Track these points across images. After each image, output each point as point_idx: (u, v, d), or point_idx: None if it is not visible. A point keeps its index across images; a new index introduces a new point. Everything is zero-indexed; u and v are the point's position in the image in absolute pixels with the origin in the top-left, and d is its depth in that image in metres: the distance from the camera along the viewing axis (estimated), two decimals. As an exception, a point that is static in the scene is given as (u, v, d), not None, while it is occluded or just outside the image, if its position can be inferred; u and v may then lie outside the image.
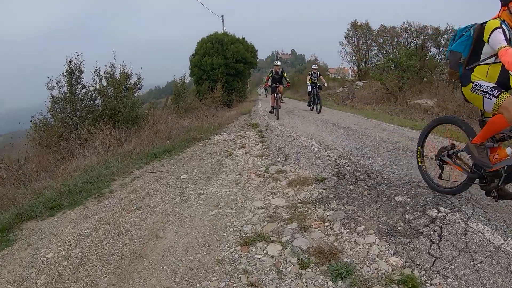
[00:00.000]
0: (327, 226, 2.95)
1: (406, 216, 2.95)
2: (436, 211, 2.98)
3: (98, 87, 9.18)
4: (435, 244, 2.51)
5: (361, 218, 3.01)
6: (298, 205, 3.46)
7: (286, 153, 5.67)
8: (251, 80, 44.69)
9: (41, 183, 5.72)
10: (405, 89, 15.87)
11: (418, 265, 2.32)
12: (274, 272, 2.39)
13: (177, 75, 16.04)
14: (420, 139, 3.76)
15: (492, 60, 2.81)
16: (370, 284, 2.16)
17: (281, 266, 2.45)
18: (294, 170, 4.71)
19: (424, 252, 2.44)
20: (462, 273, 2.18)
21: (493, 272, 2.16)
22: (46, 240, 3.50)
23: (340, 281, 2.20)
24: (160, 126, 9.82)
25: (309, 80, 13.47)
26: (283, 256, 2.57)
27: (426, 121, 10.30)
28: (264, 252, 2.65)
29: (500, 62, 2.67)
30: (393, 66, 17.55)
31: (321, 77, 13.62)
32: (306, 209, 3.35)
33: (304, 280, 2.27)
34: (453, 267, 2.25)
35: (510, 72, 2.73)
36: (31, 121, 8.25)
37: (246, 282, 2.31)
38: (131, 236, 3.26)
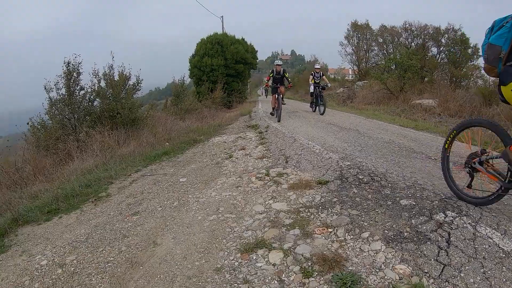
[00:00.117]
0: (330, 232, 2.84)
1: (413, 221, 2.84)
2: (443, 215, 2.88)
3: (96, 89, 9.08)
4: (443, 251, 2.40)
5: (365, 223, 2.90)
6: (300, 209, 3.35)
7: (287, 155, 5.56)
8: (251, 81, 44.65)
9: (38, 187, 5.62)
10: (406, 89, 15.76)
11: (426, 273, 2.22)
12: (275, 282, 2.28)
13: (178, 76, 15.98)
14: (445, 145, 3.42)
15: None
16: (377, 294, 2.06)
17: (283, 275, 2.34)
18: (296, 172, 4.60)
19: (432, 259, 2.33)
20: (472, 281, 2.08)
21: (504, 280, 2.06)
22: (41, 246, 3.41)
23: (345, 291, 2.10)
24: (159, 127, 9.73)
25: (311, 80, 12.97)
26: (285, 264, 2.46)
27: (427, 121, 10.26)
28: (265, 260, 2.55)
29: None
30: (394, 66, 17.45)
31: (324, 77, 13.03)
32: (308, 214, 3.24)
33: (307, 290, 2.17)
34: (462, 275, 2.15)
35: None
36: (28, 123, 8.14)
37: (247, 293, 2.21)
38: (127, 243, 3.16)
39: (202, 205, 3.82)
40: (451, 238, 2.53)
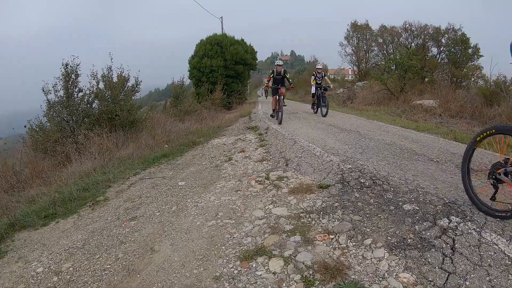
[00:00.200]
0: (332, 239, 2.77)
1: (416, 226, 2.78)
2: (447, 220, 2.82)
3: (95, 90, 9.01)
4: (448, 258, 2.34)
5: (368, 230, 2.83)
6: (301, 215, 3.28)
7: (287, 158, 5.49)
8: (251, 82, 44.61)
9: (35, 191, 5.55)
10: (406, 89, 15.70)
11: (430, 281, 2.16)
12: (276, 291, 2.22)
13: (177, 77, 15.90)
14: (466, 154, 3.16)
15: None
16: (380, 305, 2.00)
17: (284, 284, 2.28)
18: (296, 176, 4.53)
19: (437, 267, 2.27)
20: (478, 290, 2.02)
21: (510, 288, 1.99)
22: (37, 253, 3.35)
23: (348, 302, 2.04)
24: (158, 129, 9.66)
25: (313, 81, 12.37)
26: (286, 273, 2.40)
27: (428, 122, 10.19)
28: (266, 268, 2.48)
29: None
30: (394, 67, 17.39)
31: (325, 77, 12.57)
32: (309, 219, 3.17)
33: (308, 301, 2.10)
34: (468, 283, 2.09)
35: None
36: (25, 126, 8.07)
37: (246, 303, 2.14)
38: (124, 249, 3.10)
39: (201, 210, 3.75)
40: (456, 245, 2.47)
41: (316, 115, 12.36)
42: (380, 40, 24.75)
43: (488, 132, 2.96)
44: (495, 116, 9.61)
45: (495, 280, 2.08)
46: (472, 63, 18.41)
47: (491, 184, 2.90)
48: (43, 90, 8.20)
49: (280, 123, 9.83)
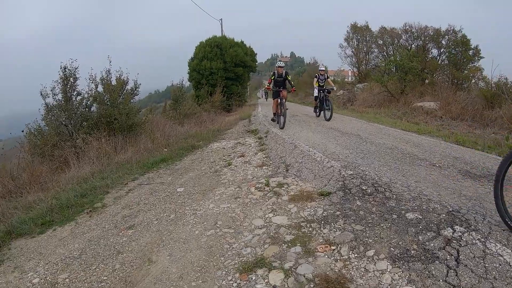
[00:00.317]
0: (333, 250, 2.70)
1: (420, 237, 2.71)
2: (451, 230, 2.75)
3: (93, 94, 8.94)
4: (452, 270, 2.28)
5: (370, 240, 2.76)
6: (301, 224, 3.21)
7: (287, 163, 5.42)
8: (251, 84, 44.57)
9: (33, 197, 5.49)
10: (406, 91, 15.64)
11: (435, 295, 2.10)
12: (276, 307, 2.16)
13: (176, 80, 15.84)
14: (500, 169, 2.84)
15: None
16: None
17: (284, 299, 2.21)
18: (296, 182, 4.46)
19: (441, 280, 2.21)
20: (483, 304, 1.96)
21: (516, 302, 1.93)
22: (33, 262, 3.31)
23: (350, 319, 1.97)
24: (157, 133, 9.60)
25: (315, 83, 11.71)
26: (286, 286, 2.34)
27: (429, 125, 10.12)
28: (265, 281, 2.42)
29: None
30: (394, 69, 17.33)
31: (329, 80, 11.93)
32: (310, 229, 3.10)
33: (310, 317, 2.03)
34: (473, 297, 2.02)
35: None
36: (22, 131, 8.00)
37: (245, 319, 2.08)
38: (121, 260, 3.03)
39: (199, 218, 3.69)
40: (460, 256, 2.41)
41: (317, 118, 12.07)
42: (380, 42, 24.67)
43: None
44: (497, 118, 9.56)
45: (501, 294, 2.02)
46: (473, 65, 18.34)
47: None
48: (41, 94, 8.14)
49: (282, 127, 9.36)
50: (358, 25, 26.69)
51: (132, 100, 9.60)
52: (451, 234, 2.70)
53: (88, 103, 8.84)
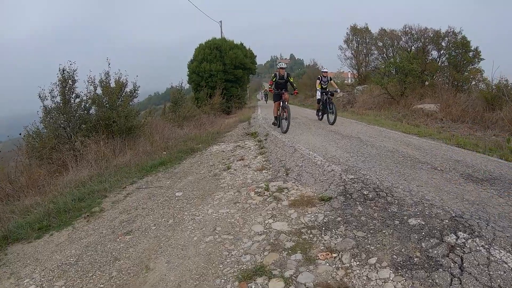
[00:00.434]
0: (335, 258, 2.64)
1: (423, 244, 2.65)
2: (455, 236, 2.70)
3: (92, 96, 8.88)
4: (456, 279, 2.23)
5: (372, 247, 2.70)
6: (302, 230, 3.15)
7: (287, 167, 5.35)
8: (250, 86, 44.53)
9: (30, 201, 5.44)
10: (406, 93, 15.59)
11: (439, 305, 2.04)
12: (276, 317, 2.10)
13: (177, 78, 15.78)
14: None
15: None
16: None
17: (285, 309, 2.16)
18: (297, 187, 4.39)
19: (445, 289, 2.16)
20: (488, 314, 1.91)
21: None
22: (30, 268, 3.27)
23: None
24: (156, 136, 9.53)
25: (318, 85, 11.37)
26: (287, 296, 2.27)
27: (430, 127, 10.08)
28: (265, 290, 2.36)
29: None
30: (394, 71, 17.29)
31: (332, 81, 11.64)
32: (311, 235, 3.04)
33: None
34: (478, 307, 1.97)
35: None
36: (20, 134, 7.94)
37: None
38: (119, 267, 2.98)
39: (198, 223, 3.62)
40: (464, 264, 2.36)
41: (317, 121, 11.90)
42: (380, 44, 24.64)
43: None
44: (497, 120, 9.51)
45: (506, 303, 1.97)
46: (473, 67, 18.28)
47: None
48: (39, 96, 8.09)
49: (285, 132, 8.94)
50: (358, 27, 26.65)
51: (131, 103, 9.55)
52: (454, 240, 2.65)
53: (87, 105, 8.78)
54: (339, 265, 2.54)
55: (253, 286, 2.40)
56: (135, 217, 4.06)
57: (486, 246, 2.53)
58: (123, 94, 9.44)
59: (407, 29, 21.59)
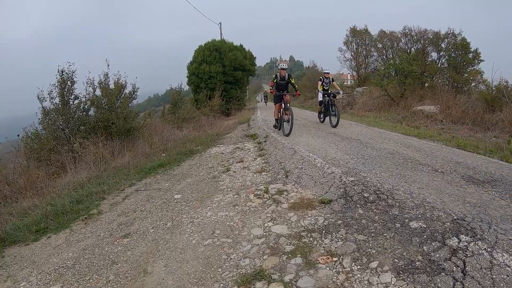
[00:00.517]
0: (335, 262, 2.60)
1: (424, 247, 2.61)
2: (457, 240, 2.66)
3: (91, 98, 8.84)
4: (459, 283, 2.19)
5: (373, 251, 2.66)
6: (302, 234, 3.10)
7: (287, 169, 5.30)
8: (250, 88, 44.51)
9: (27, 203, 5.40)
10: (406, 95, 15.56)
11: (442, 310, 2.00)
12: (276, 323, 2.06)
13: (176, 79, 15.76)
14: None
15: None
16: None
17: (284, 315, 2.11)
18: (296, 189, 4.34)
19: (448, 293, 2.12)
20: (491, 319, 1.88)
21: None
22: (27, 271, 3.25)
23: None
24: (155, 137, 9.50)
25: (320, 86, 10.98)
26: (286, 301, 2.23)
27: (430, 128, 10.04)
28: (265, 295, 2.32)
29: None
30: (394, 72, 17.27)
31: (334, 83, 11.31)
32: (311, 239, 2.99)
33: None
34: (481, 311, 1.93)
35: None
36: (18, 135, 7.91)
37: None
38: (116, 270, 2.94)
39: (197, 226, 3.58)
40: (467, 268, 2.32)
41: (317, 123, 11.73)
42: (380, 45, 24.65)
43: None
44: (498, 121, 9.48)
45: (509, 308, 1.93)
46: (473, 68, 18.27)
47: None
48: (38, 98, 8.05)
49: (287, 134, 8.69)
50: (357, 29, 26.65)
51: (130, 104, 9.52)
52: (456, 244, 2.61)
53: (86, 107, 8.75)
54: (340, 269, 2.50)
55: (253, 291, 2.37)
56: (133, 220, 4.03)
57: (489, 249, 2.49)
58: (122, 95, 9.41)
59: (406, 30, 21.63)
